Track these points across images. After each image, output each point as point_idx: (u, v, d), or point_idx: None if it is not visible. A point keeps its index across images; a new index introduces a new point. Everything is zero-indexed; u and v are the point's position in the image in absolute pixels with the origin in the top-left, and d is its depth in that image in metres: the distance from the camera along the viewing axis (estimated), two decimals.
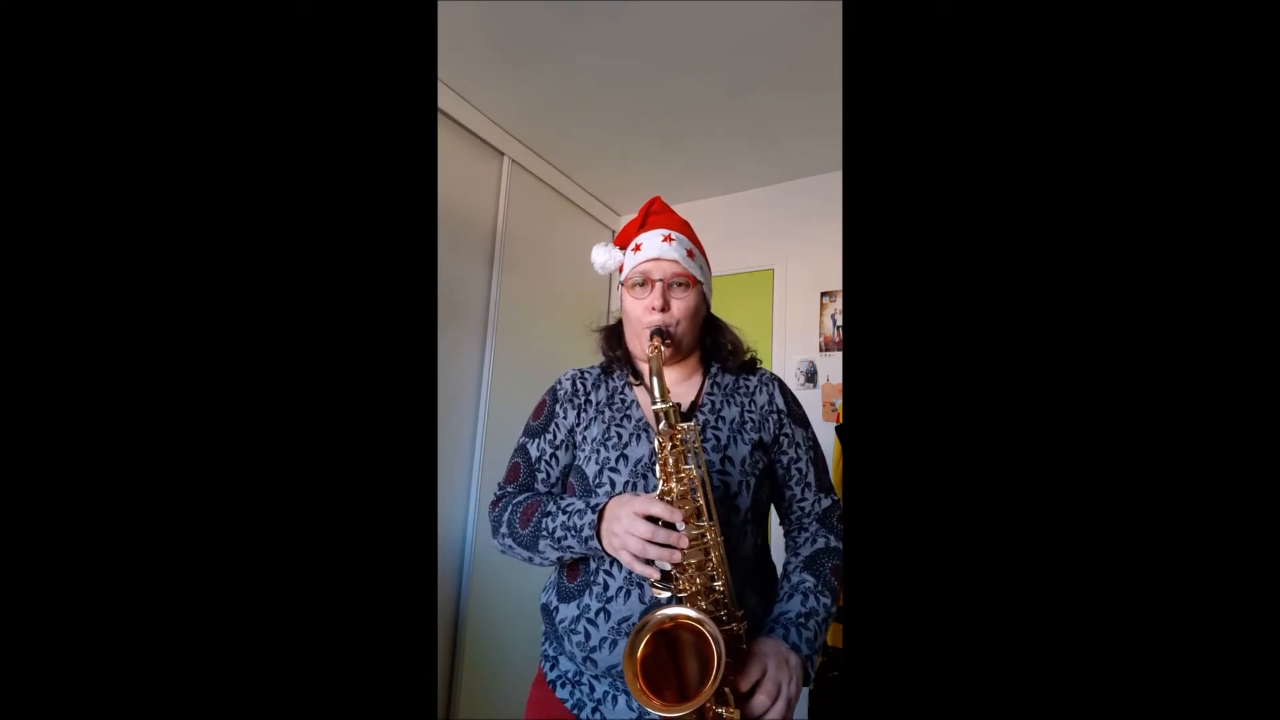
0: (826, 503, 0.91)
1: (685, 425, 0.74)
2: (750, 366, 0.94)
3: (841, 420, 1.95)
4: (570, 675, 0.81)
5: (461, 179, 2.03)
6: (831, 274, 2.34)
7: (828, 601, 0.81)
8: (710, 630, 0.63)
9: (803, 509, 0.90)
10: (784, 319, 2.41)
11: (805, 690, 1.75)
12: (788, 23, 1.61)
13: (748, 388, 0.91)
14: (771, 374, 0.95)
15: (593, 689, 0.78)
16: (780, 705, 0.68)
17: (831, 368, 2.28)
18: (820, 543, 0.87)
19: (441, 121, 1.93)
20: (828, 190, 2.39)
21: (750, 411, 0.89)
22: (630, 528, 0.68)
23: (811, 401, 2.29)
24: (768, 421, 0.89)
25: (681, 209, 2.70)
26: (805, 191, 2.46)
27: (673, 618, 0.66)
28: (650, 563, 0.68)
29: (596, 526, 0.74)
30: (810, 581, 0.82)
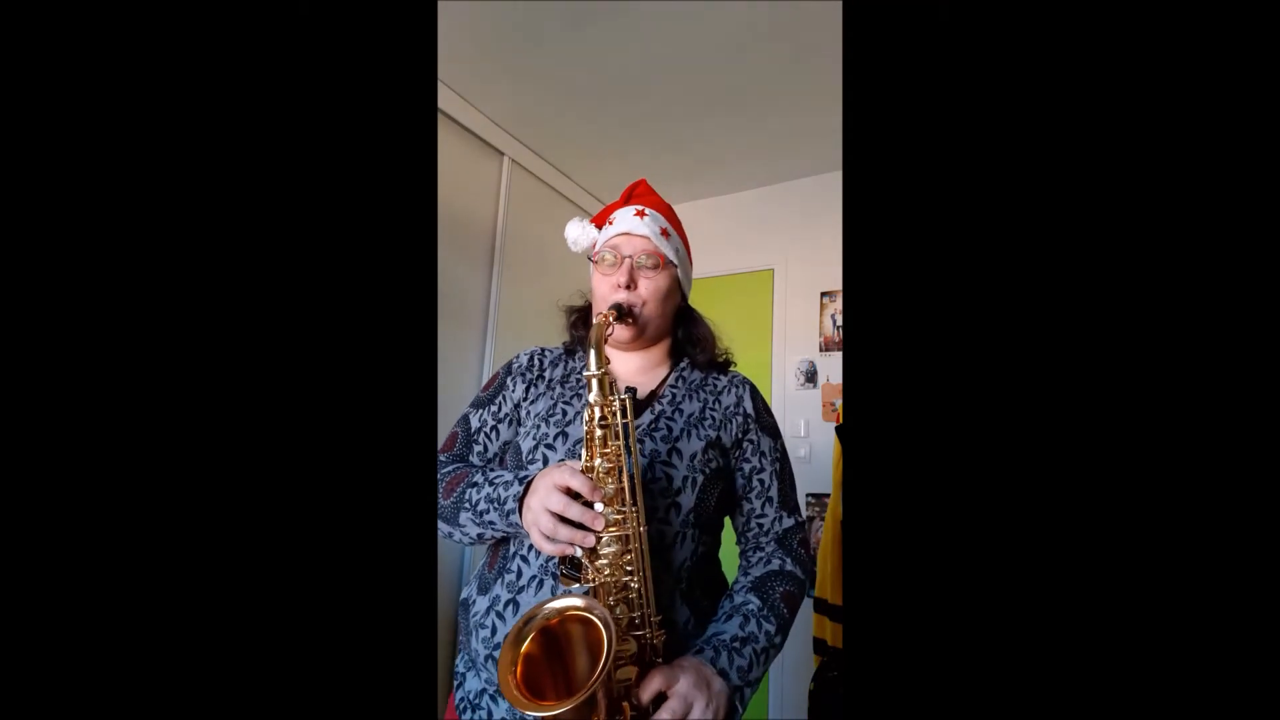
0: (788, 523, 0.82)
1: (618, 398, 0.66)
2: (722, 366, 0.88)
3: (841, 420, 1.95)
4: (472, 698, 0.72)
5: (461, 179, 2.03)
6: (831, 274, 2.34)
7: (771, 629, 0.71)
8: (599, 614, 0.56)
9: (760, 525, 0.82)
10: (784, 319, 2.41)
11: (806, 690, 1.74)
12: (788, 23, 1.61)
13: (715, 386, 0.85)
14: (744, 377, 0.88)
15: (490, 714, 0.70)
16: None
17: (831, 368, 2.28)
18: (774, 564, 0.78)
19: (441, 121, 1.93)
20: (828, 190, 2.39)
21: (712, 409, 0.81)
22: (545, 500, 0.62)
23: (811, 401, 2.29)
24: (730, 422, 0.81)
25: (681, 209, 2.69)
26: (805, 191, 2.46)
27: (560, 611, 0.58)
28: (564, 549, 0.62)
29: (521, 499, 0.66)
30: (755, 604, 0.72)
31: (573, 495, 0.62)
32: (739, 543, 0.85)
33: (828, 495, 2.08)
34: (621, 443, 0.65)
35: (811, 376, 2.31)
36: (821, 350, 2.32)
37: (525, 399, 0.83)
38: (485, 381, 0.89)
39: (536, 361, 0.87)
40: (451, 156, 1.98)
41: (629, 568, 0.63)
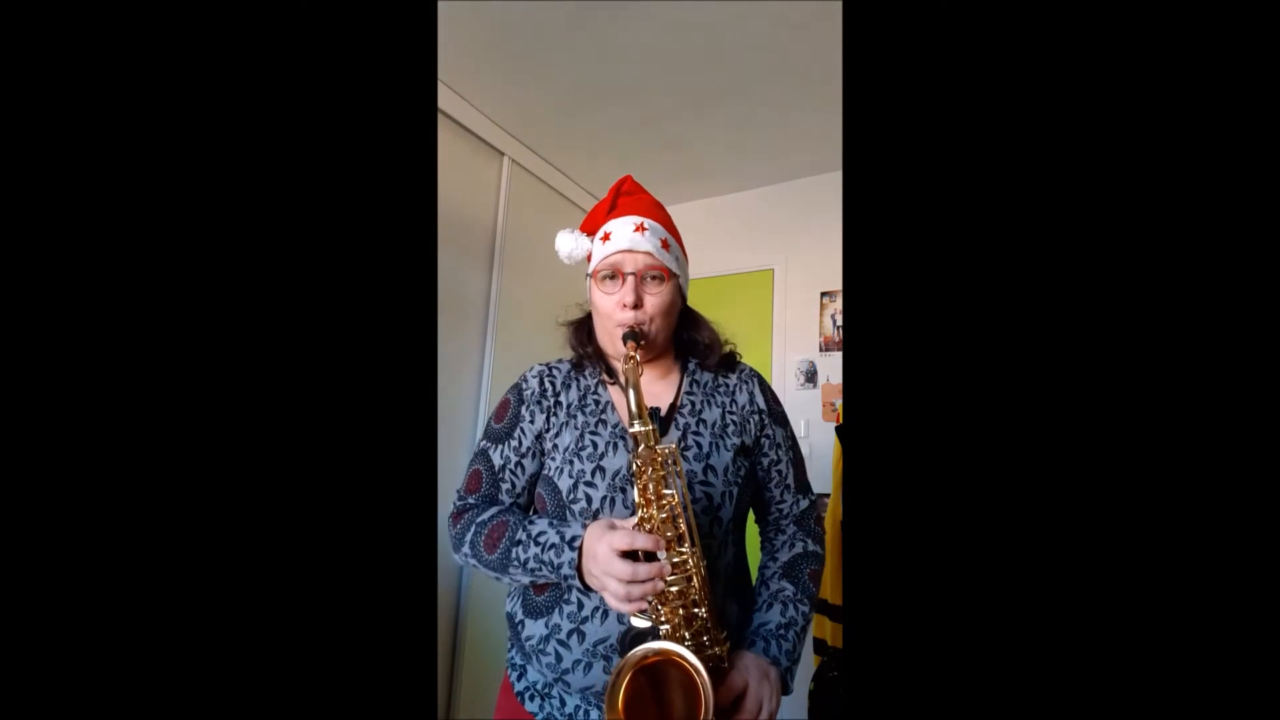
0: (804, 504, 0.88)
1: (665, 448, 0.69)
2: (729, 363, 0.89)
3: (841, 420, 1.95)
4: (539, 687, 0.76)
5: (461, 179, 2.03)
6: (831, 274, 2.34)
7: (806, 609, 0.79)
8: (701, 678, 0.61)
9: (781, 510, 0.87)
10: (784, 319, 2.41)
11: (806, 690, 1.75)
12: (788, 23, 1.61)
13: (728, 386, 0.87)
14: (752, 370, 0.91)
15: (563, 702, 0.74)
16: None
17: (831, 368, 2.28)
18: (799, 547, 0.84)
19: (441, 121, 1.93)
20: (828, 190, 2.39)
21: (732, 413, 0.84)
22: (608, 569, 0.64)
23: (811, 401, 2.29)
24: (749, 423, 0.84)
25: (682, 209, 2.70)
26: (805, 191, 2.46)
27: (658, 652, 0.62)
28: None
29: (577, 564, 0.69)
30: (789, 590, 0.79)
31: (633, 555, 0.64)
32: (760, 524, 0.90)
33: (828, 495, 2.08)
34: (675, 491, 0.68)
35: (811, 376, 2.31)
36: (821, 350, 2.32)
37: (547, 429, 0.81)
38: (496, 409, 0.87)
39: (548, 385, 0.84)
40: (451, 156, 1.98)
41: (694, 598, 0.67)
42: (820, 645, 1.70)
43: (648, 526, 0.66)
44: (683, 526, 0.68)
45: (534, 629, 0.75)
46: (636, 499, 0.68)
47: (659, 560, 0.64)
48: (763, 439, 0.86)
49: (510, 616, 0.80)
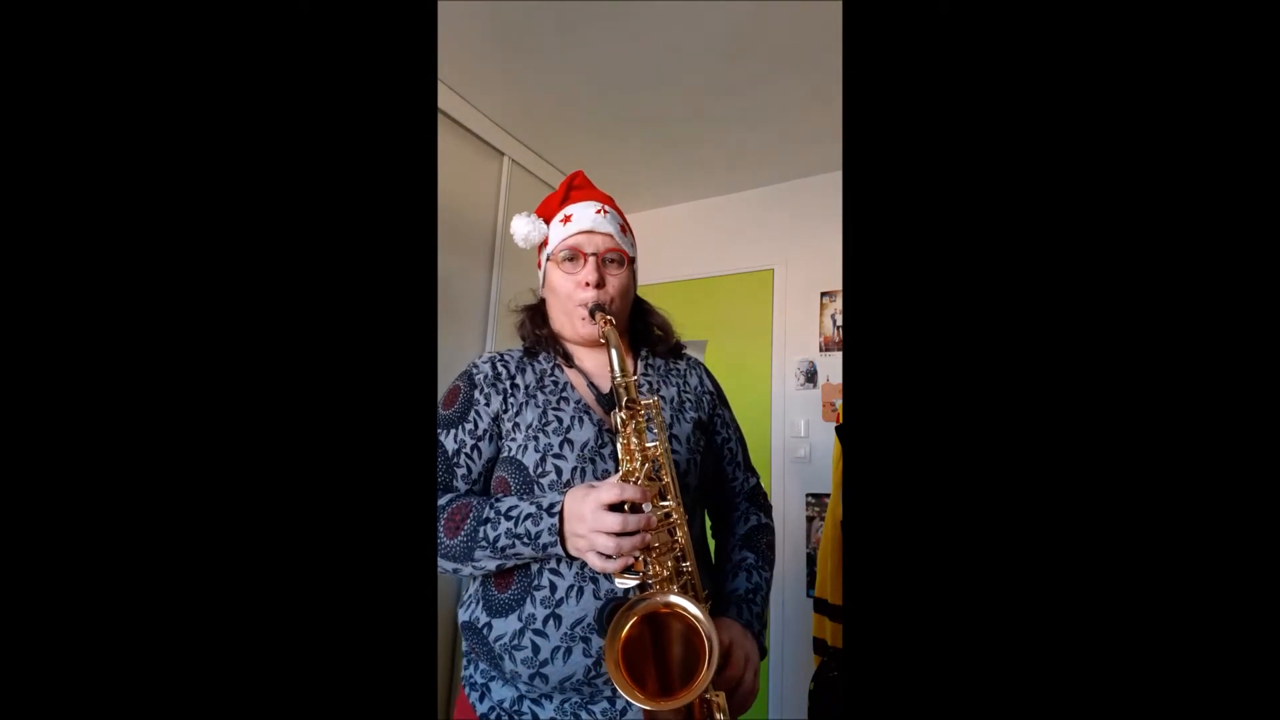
0: (753, 481, 0.93)
1: (647, 401, 0.70)
2: (676, 351, 0.92)
3: (841, 420, 1.95)
4: (508, 706, 0.71)
5: (461, 179, 2.03)
6: (831, 274, 2.34)
7: (768, 575, 0.83)
8: (706, 629, 0.60)
9: (734, 488, 0.91)
10: (784, 319, 2.41)
11: (806, 690, 1.75)
12: (788, 22, 1.61)
13: (679, 370, 0.90)
14: (696, 359, 0.96)
15: (537, 718, 0.69)
16: (750, 675, 0.70)
17: (831, 368, 2.28)
18: (753, 520, 0.88)
19: (441, 121, 1.93)
20: (828, 190, 2.39)
21: (686, 392, 0.87)
22: (596, 524, 0.62)
23: (811, 401, 2.29)
24: (702, 401, 0.88)
25: (682, 209, 2.70)
26: (805, 191, 2.46)
27: (668, 604, 0.62)
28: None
29: (559, 530, 0.66)
30: (751, 558, 0.83)
31: (616, 507, 0.63)
32: (710, 508, 0.94)
33: (828, 495, 2.07)
34: (660, 442, 0.70)
35: (811, 376, 2.31)
36: (821, 350, 2.31)
37: (505, 410, 0.79)
38: (444, 397, 0.83)
39: (501, 369, 0.82)
40: (451, 156, 1.98)
41: (680, 553, 0.68)
42: (820, 645, 1.70)
43: (634, 480, 0.66)
44: (666, 478, 0.69)
45: (504, 627, 0.71)
46: (620, 453, 0.68)
47: (645, 512, 0.63)
48: (715, 418, 0.90)
49: (470, 625, 0.74)
